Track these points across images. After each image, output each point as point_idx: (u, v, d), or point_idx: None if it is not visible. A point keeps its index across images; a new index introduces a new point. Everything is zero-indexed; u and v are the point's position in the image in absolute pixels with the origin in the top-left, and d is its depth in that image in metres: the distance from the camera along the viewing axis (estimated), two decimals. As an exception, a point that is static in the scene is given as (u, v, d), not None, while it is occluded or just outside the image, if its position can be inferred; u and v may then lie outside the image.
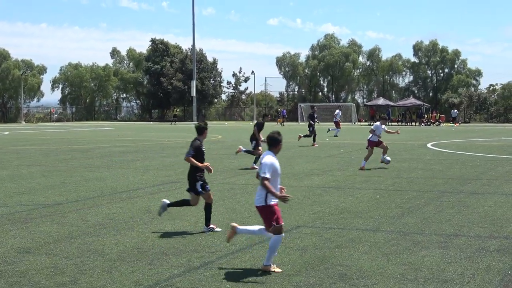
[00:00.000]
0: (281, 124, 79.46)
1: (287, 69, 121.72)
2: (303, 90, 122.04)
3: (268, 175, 8.13)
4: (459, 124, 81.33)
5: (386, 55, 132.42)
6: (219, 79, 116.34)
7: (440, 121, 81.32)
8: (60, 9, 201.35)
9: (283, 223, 8.21)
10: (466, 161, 23.54)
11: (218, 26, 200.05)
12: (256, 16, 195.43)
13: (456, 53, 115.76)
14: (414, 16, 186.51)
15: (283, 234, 8.21)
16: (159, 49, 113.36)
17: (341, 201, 13.77)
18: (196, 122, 11.21)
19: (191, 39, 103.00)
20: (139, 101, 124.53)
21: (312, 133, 34.40)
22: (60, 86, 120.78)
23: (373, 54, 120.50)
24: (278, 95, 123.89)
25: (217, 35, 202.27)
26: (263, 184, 8.16)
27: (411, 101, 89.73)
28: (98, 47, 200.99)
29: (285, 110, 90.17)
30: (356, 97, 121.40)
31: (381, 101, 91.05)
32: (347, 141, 37.40)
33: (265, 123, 22.31)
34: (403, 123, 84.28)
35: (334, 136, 41.91)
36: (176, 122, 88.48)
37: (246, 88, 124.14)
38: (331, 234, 10.29)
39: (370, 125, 55.85)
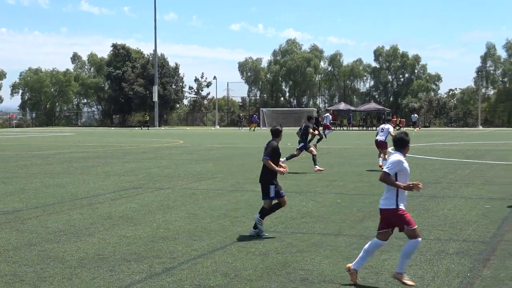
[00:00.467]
0: (253, 129, 79.29)
1: (249, 74, 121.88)
2: (265, 95, 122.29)
3: (390, 172, 7.75)
4: (419, 128, 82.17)
5: (347, 60, 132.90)
6: (181, 84, 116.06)
7: (401, 125, 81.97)
8: (20, 13, 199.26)
9: (416, 226, 7.76)
10: (426, 165, 23.77)
11: (180, 31, 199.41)
12: (218, 21, 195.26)
13: (416, 58, 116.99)
14: (375, 22, 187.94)
15: (420, 238, 7.71)
16: (121, 54, 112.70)
17: (303, 206, 13.81)
18: (272, 126, 11.31)
19: (153, 44, 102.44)
20: (100, 107, 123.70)
21: (320, 136, 33.62)
22: (20, 91, 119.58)
23: (334, 59, 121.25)
24: (240, 100, 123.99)
25: (179, 40, 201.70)
26: (385, 178, 7.78)
27: (372, 105, 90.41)
28: (59, 52, 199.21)
29: (256, 115, 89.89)
30: (317, 102, 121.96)
31: (342, 105, 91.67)
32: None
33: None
34: (364, 128, 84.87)
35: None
36: (149, 127, 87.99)
37: (208, 93, 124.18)
38: (292, 238, 10.32)
39: (332, 129, 56.25)
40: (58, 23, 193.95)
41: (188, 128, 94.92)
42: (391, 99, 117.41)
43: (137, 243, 10.04)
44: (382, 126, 23.69)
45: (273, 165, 10.89)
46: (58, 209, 13.53)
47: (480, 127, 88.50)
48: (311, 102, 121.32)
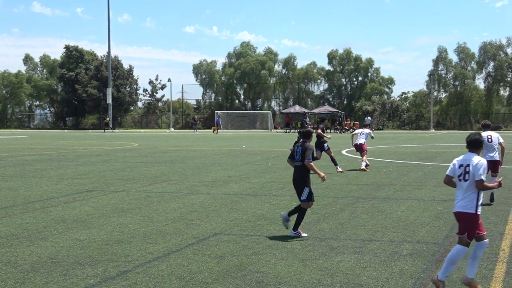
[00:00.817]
0: (215, 132, 79.18)
1: (204, 76, 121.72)
2: (220, 98, 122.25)
3: (484, 178, 7.53)
4: (373, 131, 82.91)
5: (301, 63, 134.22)
6: (135, 86, 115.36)
7: (354, 128, 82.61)
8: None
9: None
10: (379, 167, 24.00)
11: (134, 33, 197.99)
12: (173, 23, 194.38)
13: (370, 62, 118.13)
14: (329, 25, 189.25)
15: (488, 240, 7.70)
16: (74, 56, 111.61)
17: (258, 208, 13.83)
18: (303, 129, 11.44)
19: (107, 46, 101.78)
20: (53, 109, 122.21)
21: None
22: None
23: (288, 62, 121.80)
24: (195, 103, 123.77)
25: (133, 42, 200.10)
26: (484, 187, 7.51)
27: (326, 108, 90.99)
28: (10, 53, 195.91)
29: (220, 118, 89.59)
30: (272, 105, 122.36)
31: (296, 108, 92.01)
32: (264, 149, 37.61)
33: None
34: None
35: None
36: (105, 130, 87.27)
37: (163, 96, 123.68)
38: (248, 241, 10.32)
39: (286, 132, 56.80)
40: (9, 24, 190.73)
41: (142, 130, 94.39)
42: (345, 102, 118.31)
43: (91, 246, 9.95)
44: (361, 130, 24.71)
45: (316, 168, 11.04)
46: (10, 213, 13.33)
47: (432, 130, 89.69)
48: (265, 105, 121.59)
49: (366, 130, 24.48)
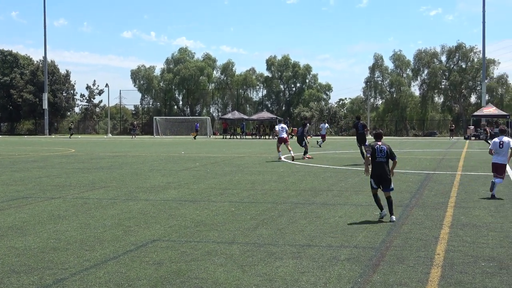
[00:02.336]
0: (194, 137, 78.53)
1: (142, 82, 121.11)
2: (158, 103, 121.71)
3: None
4: (311, 137, 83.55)
5: (240, 69, 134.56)
6: (72, 91, 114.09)
7: (293, 134, 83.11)
8: None
9: None
10: (318, 173, 24.19)
11: (71, 37, 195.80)
12: (110, 28, 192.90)
13: (308, 68, 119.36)
14: (267, 32, 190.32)
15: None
16: (8, 60, 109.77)
17: (197, 214, 13.79)
18: (376, 130, 13.73)
19: (43, 51, 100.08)
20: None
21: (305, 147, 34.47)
22: None
23: (227, 68, 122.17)
24: (133, 108, 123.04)
25: (69, 46, 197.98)
26: None
27: (265, 114, 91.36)
28: None
29: (198, 123, 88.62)
30: (211, 111, 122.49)
31: (235, 114, 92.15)
32: (203, 154, 37.54)
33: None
34: (257, 137, 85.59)
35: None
36: (72, 136, 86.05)
37: (100, 101, 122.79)
38: (187, 247, 10.28)
39: (224, 138, 57.18)
40: None
41: (79, 136, 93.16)
42: (284, 108, 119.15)
43: (27, 254, 9.77)
44: (281, 125, 33.97)
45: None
46: None
47: (369, 136, 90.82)
48: (204, 111, 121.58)
49: (284, 125, 33.72)
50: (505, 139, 16.79)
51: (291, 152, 32.09)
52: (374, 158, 13.22)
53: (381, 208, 13.11)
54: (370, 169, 13.55)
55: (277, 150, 33.55)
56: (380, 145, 13.21)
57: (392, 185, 13.27)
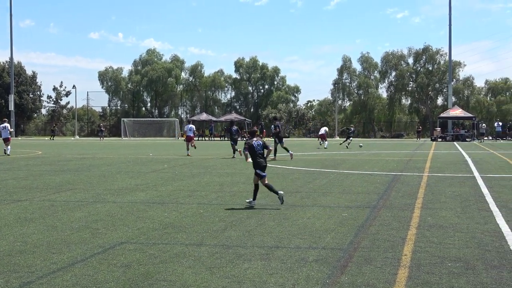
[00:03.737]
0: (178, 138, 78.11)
1: (109, 83, 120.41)
2: (126, 105, 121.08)
3: None
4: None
5: (208, 71, 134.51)
6: (38, 93, 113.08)
7: (261, 135, 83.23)
8: None
9: None
10: (286, 174, 24.24)
11: (37, 38, 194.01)
12: (77, 29, 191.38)
13: (276, 70, 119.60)
14: (235, 33, 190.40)
15: None
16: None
17: (165, 216, 13.75)
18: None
19: (9, 52, 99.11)
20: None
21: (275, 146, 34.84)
22: None
23: (195, 70, 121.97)
24: (100, 110, 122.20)
25: (36, 48, 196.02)
26: None
27: (233, 116, 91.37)
28: None
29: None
30: (179, 112, 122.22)
31: (204, 116, 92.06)
32: (171, 156, 37.43)
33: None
34: (226, 138, 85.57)
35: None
36: (53, 138, 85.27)
37: (68, 103, 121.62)
38: (155, 249, 10.25)
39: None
40: None
41: (46, 138, 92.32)
42: (252, 110, 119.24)
43: (-8, 257, 9.66)
44: (190, 125, 41.09)
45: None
46: None
47: (337, 138, 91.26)
48: (172, 113, 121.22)
49: (192, 126, 41.57)
50: None
51: (188, 151, 39.37)
52: (254, 152, 15.54)
53: (254, 197, 15.37)
54: (250, 161, 15.81)
55: (186, 148, 40.43)
56: (256, 141, 15.59)
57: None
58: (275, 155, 33.84)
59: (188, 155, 38.84)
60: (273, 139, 35.36)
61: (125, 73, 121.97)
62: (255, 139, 15.78)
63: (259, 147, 15.62)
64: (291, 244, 10.65)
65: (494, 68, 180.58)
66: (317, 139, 67.95)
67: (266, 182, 15.49)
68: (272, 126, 36.72)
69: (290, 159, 30.75)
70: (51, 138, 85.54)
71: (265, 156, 15.71)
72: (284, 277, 8.51)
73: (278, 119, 49.48)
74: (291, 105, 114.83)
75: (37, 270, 8.90)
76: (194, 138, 42.19)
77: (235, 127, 39.74)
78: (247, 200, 15.63)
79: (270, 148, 16.10)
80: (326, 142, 53.68)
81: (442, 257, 9.68)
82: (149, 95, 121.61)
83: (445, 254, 9.86)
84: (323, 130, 56.84)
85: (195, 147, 40.92)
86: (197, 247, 10.43)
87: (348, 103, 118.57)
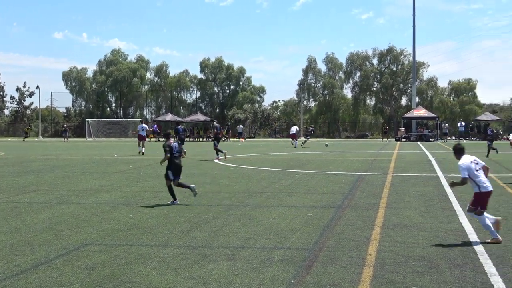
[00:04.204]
0: (149, 140, 77.25)
1: (74, 84, 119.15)
2: (90, 106, 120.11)
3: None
4: (245, 139, 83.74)
5: (173, 71, 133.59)
6: (1, 93, 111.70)
7: (227, 136, 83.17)
8: None
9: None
10: (251, 175, 24.26)
11: (0, 38, 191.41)
12: (41, 29, 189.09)
13: (241, 71, 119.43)
14: (200, 34, 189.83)
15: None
16: None
17: (130, 217, 13.69)
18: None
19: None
20: None
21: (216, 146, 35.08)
22: None
23: (160, 70, 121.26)
24: (65, 111, 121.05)
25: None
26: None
27: (199, 117, 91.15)
28: None
29: (156, 125, 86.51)
30: (144, 113, 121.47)
31: (169, 116, 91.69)
32: (136, 157, 37.23)
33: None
34: (191, 139, 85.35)
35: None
36: (25, 139, 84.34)
37: (31, 103, 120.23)
38: (120, 251, 10.19)
39: (158, 140, 57.37)
40: None
41: (9, 139, 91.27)
42: (217, 110, 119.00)
43: (-46, 260, 9.54)
44: (142, 125, 43.05)
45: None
46: None
47: (302, 138, 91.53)
48: (138, 113, 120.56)
49: (145, 125, 43.31)
50: None
51: (143, 149, 40.57)
52: (172, 154, 15.92)
53: (174, 197, 15.85)
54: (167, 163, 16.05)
55: (137, 145, 41.99)
56: (173, 143, 16.06)
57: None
58: (218, 154, 34.54)
59: (140, 152, 40.19)
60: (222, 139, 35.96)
61: (89, 73, 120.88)
62: (172, 140, 16.28)
63: (176, 149, 16.10)
64: (256, 245, 10.66)
65: (457, 68, 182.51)
66: (282, 139, 68.27)
67: (179, 181, 16.09)
68: (214, 128, 38.22)
69: (215, 160, 33.19)
70: (24, 139, 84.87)
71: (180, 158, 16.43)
72: (249, 277, 8.52)
73: (216, 121, 51.29)
74: (257, 105, 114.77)
75: (0, 272, 8.81)
76: (146, 139, 44.41)
77: (181, 127, 42.14)
78: (169, 202, 15.97)
79: (185, 150, 17.61)
80: (296, 142, 54.75)
81: (406, 256, 9.77)
82: (114, 96, 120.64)
83: (409, 253, 9.95)
84: (294, 129, 58.01)
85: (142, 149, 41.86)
86: (163, 248, 10.40)
87: (313, 104, 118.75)
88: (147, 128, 45.04)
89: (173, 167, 16.00)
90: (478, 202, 10.99)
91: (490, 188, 11.07)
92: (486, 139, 39.30)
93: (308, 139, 59.51)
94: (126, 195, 17.92)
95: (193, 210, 14.67)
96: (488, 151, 36.44)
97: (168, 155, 15.86)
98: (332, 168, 27.65)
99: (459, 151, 11.48)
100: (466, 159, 11.20)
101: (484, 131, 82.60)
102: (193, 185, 16.14)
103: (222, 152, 34.57)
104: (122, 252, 10.10)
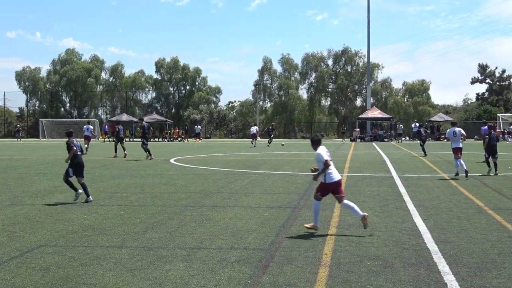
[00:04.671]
0: (103, 140, 76.30)
1: (27, 83, 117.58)
2: (44, 106, 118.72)
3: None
4: (201, 139, 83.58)
5: (129, 71, 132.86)
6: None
7: (183, 136, 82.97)
8: None
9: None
10: (208, 175, 24.23)
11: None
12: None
13: (197, 71, 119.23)
14: (156, 34, 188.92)
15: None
16: None
17: (85, 218, 13.56)
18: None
19: None
20: None
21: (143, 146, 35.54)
22: None
23: (116, 70, 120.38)
24: (18, 111, 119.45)
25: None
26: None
27: (155, 117, 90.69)
28: None
29: (107, 126, 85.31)
30: (99, 113, 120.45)
31: (124, 117, 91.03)
32: (91, 158, 36.88)
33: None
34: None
35: None
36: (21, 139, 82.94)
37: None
38: (74, 252, 10.10)
39: (113, 141, 56.96)
40: None
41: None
42: (173, 110, 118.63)
43: None
44: (87, 126, 44.86)
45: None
46: None
47: (259, 138, 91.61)
48: (92, 113, 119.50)
49: (91, 126, 44.95)
50: (457, 129, 23.75)
51: (87, 150, 41.80)
52: (76, 151, 16.41)
53: (75, 189, 16.35)
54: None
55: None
56: (75, 142, 16.53)
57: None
58: (149, 154, 35.27)
59: (115, 156, 39.30)
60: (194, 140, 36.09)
61: (43, 73, 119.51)
62: (74, 140, 16.70)
63: (78, 147, 16.63)
64: (212, 245, 10.66)
65: (411, 69, 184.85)
66: (238, 139, 68.44)
67: (82, 181, 16.51)
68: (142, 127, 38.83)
69: (123, 156, 35.83)
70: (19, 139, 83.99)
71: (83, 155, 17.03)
72: (206, 278, 8.52)
73: (144, 121, 52.20)
74: (213, 106, 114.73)
75: (-48, 275, 8.66)
76: (92, 139, 45.55)
77: (121, 126, 42.56)
78: (74, 196, 16.46)
79: (86, 152, 18.16)
80: (256, 141, 56.32)
81: (361, 255, 9.85)
82: (68, 96, 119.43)
83: (364, 253, 10.04)
84: (254, 129, 59.72)
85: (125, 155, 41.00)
86: (118, 249, 10.33)
87: (269, 104, 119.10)
88: (92, 129, 46.69)
89: (74, 165, 16.43)
90: (321, 189, 12.14)
91: (336, 179, 12.09)
92: (420, 139, 40.36)
93: (271, 138, 61.83)
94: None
95: (149, 211, 14.60)
96: (424, 150, 38.05)
97: (74, 152, 16.36)
98: (288, 169, 27.76)
99: (317, 142, 12.61)
100: (323, 149, 12.30)
101: (438, 131, 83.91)
102: (80, 191, 16.41)
103: (150, 153, 35.05)
104: (77, 253, 10.01)
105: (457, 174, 22.96)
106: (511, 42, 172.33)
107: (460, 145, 23.49)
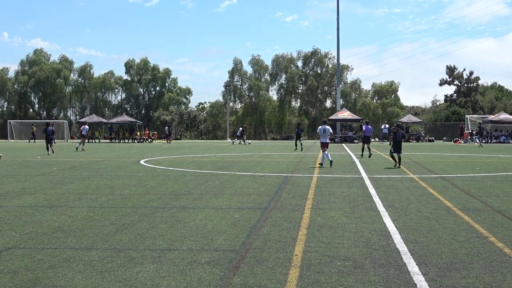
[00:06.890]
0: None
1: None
2: (12, 107, 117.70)
3: None
4: (171, 141, 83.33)
5: (98, 72, 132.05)
6: None
7: (153, 138, 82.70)
8: None
9: None
10: (178, 176, 24.17)
11: None
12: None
13: (167, 72, 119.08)
14: (125, 34, 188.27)
15: None
16: None
17: (54, 220, 13.46)
18: None
19: None
20: None
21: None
22: None
23: (85, 71, 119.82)
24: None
25: None
26: None
27: (124, 118, 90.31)
28: None
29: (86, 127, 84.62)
30: (68, 114, 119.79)
31: (94, 118, 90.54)
32: (60, 159, 36.63)
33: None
34: (117, 140, 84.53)
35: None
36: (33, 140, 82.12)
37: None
38: (44, 254, 10.02)
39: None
40: None
41: None
42: (143, 111, 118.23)
43: None
44: (50, 127, 45.44)
45: None
46: None
47: (229, 140, 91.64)
48: (62, 114, 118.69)
49: (51, 128, 45.34)
50: (326, 127, 29.43)
51: (51, 151, 43.08)
52: None
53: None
54: None
55: (46, 148, 44.44)
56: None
57: None
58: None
59: (48, 154, 42.78)
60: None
61: (11, 74, 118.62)
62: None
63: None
64: (183, 247, 10.63)
65: (380, 71, 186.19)
66: (209, 140, 68.38)
67: None
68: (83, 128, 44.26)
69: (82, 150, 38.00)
70: (30, 140, 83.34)
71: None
72: (176, 279, 8.50)
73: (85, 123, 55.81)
74: (183, 107, 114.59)
75: None
76: (54, 140, 47.25)
77: (50, 128, 44.92)
78: None
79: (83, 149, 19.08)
80: (239, 140, 60.77)
81: (331, 256, 9.89)
82: (37, 96, 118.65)
83: (335, 254, 10.08)
84: (240, 130, 65.10)
85: (53, 152, 44.07)
86: (88, 251, 10.27)
87: (239, 105, 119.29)
88: (87, 129, 51.86)
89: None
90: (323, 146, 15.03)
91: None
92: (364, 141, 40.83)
93: (240, 138, 64.65)
94: (50, 197, 17.61)
95: (119, 213, 14.53)
96: (369, 150, 39.53)
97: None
98: (259, 170, 27.79)
99: (324, 122, 14.84)
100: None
101: (406, 132, 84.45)
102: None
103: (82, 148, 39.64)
104: (46, 255, 9.93)
105: (321, 164, 28.94)
106: (477, 45, 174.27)
107: (327, 141, 29.26)
